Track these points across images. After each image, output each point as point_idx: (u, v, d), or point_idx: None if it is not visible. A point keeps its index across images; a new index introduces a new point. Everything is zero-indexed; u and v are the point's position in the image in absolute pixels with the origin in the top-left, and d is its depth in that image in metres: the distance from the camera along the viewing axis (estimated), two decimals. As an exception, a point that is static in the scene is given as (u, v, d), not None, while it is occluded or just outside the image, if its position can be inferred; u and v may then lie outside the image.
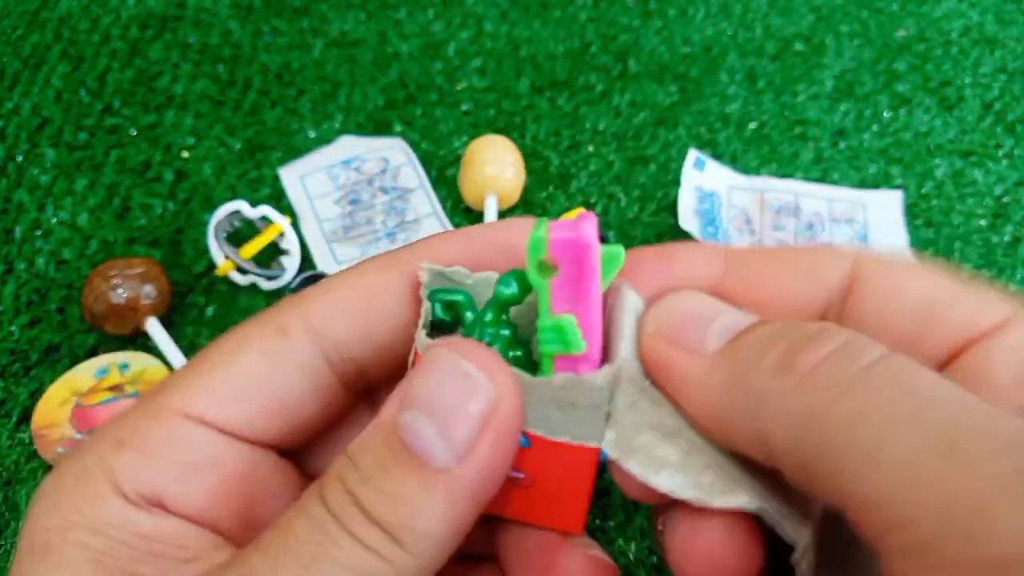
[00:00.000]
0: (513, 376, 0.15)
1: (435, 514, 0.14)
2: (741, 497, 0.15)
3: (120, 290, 0.40)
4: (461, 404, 0.14)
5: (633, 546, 0.35)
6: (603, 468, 0.17)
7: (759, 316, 0.16)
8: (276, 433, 0.17)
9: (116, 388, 0.40)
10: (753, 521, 0.16)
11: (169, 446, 0.16)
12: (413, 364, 0.17)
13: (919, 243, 0.47)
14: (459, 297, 0.17)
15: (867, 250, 0.17)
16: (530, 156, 0.50)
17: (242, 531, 0.16)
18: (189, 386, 0.16)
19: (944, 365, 0.16)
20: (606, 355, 0.16)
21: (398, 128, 0.52)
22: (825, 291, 0.17)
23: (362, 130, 0.52)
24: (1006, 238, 0.47)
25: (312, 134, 0.52)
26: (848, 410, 0.13)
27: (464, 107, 0.54)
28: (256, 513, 0.17)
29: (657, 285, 0.17)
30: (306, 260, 0.45)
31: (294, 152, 0.51)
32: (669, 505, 0.16)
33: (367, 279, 0.17)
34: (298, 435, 0.18)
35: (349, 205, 0.48)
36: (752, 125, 0.53)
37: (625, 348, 0.16)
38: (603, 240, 0.43)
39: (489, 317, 0.16)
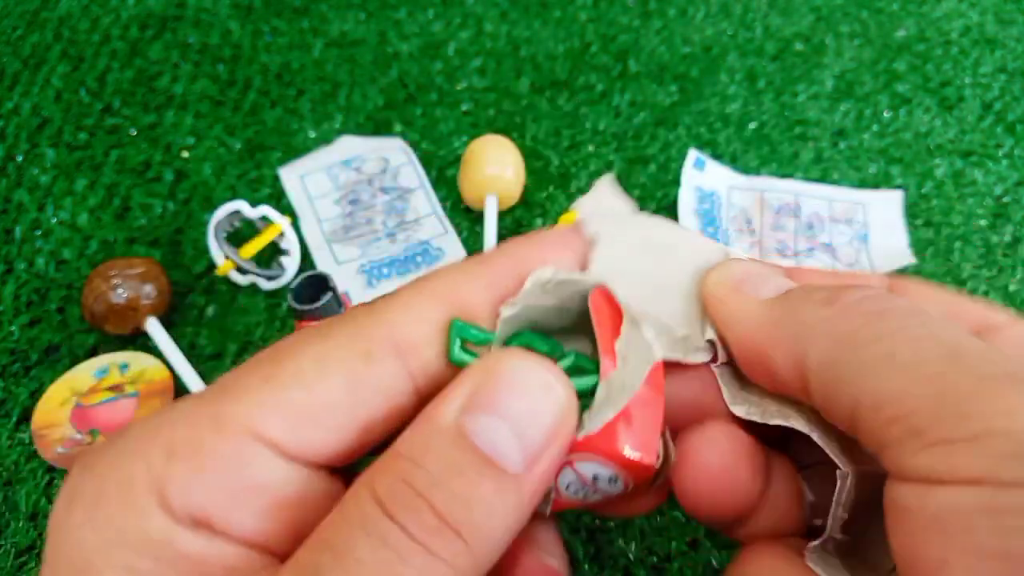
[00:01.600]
0: (573, 390, 0.16)
1: (508, 517, 0.14)
2: (798, 420, 0.18)
3: (120, 290, 0.40)
4: (538, 412, 0.15)
5: (633, 546, 0.35)
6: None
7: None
8: (345, 457, 0.16)
9: (116, 388, 0.40)
10: (756, 438, 0.19)
11: (228, 465, 0.15)
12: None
13: (919, 243, 0.47)
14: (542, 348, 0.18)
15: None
16: (530, 156, 0.50)
17: (293, 548, 0.15)
18: (262, 401, 0.15)
19: None
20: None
21: (398, 128, 0.52)
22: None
23: (362, 130, 0.52)
24: (1006, 238, 0.47)
25: (312, 134, 0.52)
26: (875, 330, 0.16)
27: (464, 107, 0.54)
28: (308, 531, 0.15)
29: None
30: (306, 260, 0.45)
31: (294, 152, 0.51)
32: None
33: (456, 292, 0.17)
34: (363, 453, 0.17)
35: (349, 205, 0.48)
36: (752, 125, 0.53)
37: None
38: None
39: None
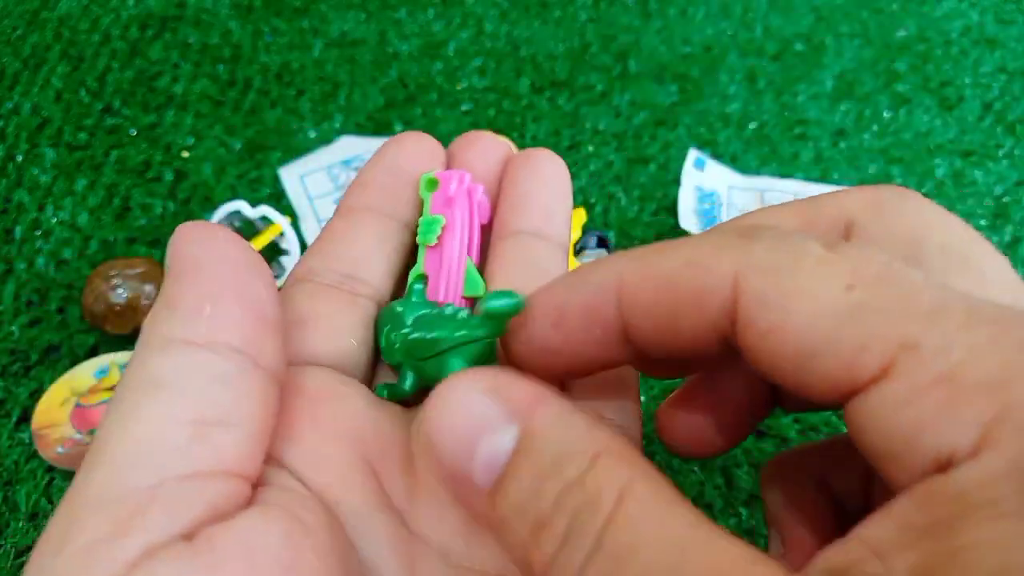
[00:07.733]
0: None
1: None
2: None
3: (120, 290, 0.40)
4: None
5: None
6: None
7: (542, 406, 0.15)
8: None
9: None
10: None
11: None
12: None
13: (919, 243, 0.47)
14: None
15: (758, 245, 0.15)
16: (530, 156, 0.50)
17: None
18: None
19: (840, 404, 0.15)
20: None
21: (398, 128, 0.52)
22: (709, 321, 0.16)
23: (362, 130, 0.52)
24: (1006, 238, 0.47)
25: (312, 134, 0.52)
26: None
27: (464, 107, 0.54)
28: None
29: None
30: (306, 260, 0.45)
31: (294, 152, 0.51)
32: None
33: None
34: None
35: (349, 205, 0.48)
36: (752, 125, 0.53)
37: None
38: (604, 244, 0.43)
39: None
